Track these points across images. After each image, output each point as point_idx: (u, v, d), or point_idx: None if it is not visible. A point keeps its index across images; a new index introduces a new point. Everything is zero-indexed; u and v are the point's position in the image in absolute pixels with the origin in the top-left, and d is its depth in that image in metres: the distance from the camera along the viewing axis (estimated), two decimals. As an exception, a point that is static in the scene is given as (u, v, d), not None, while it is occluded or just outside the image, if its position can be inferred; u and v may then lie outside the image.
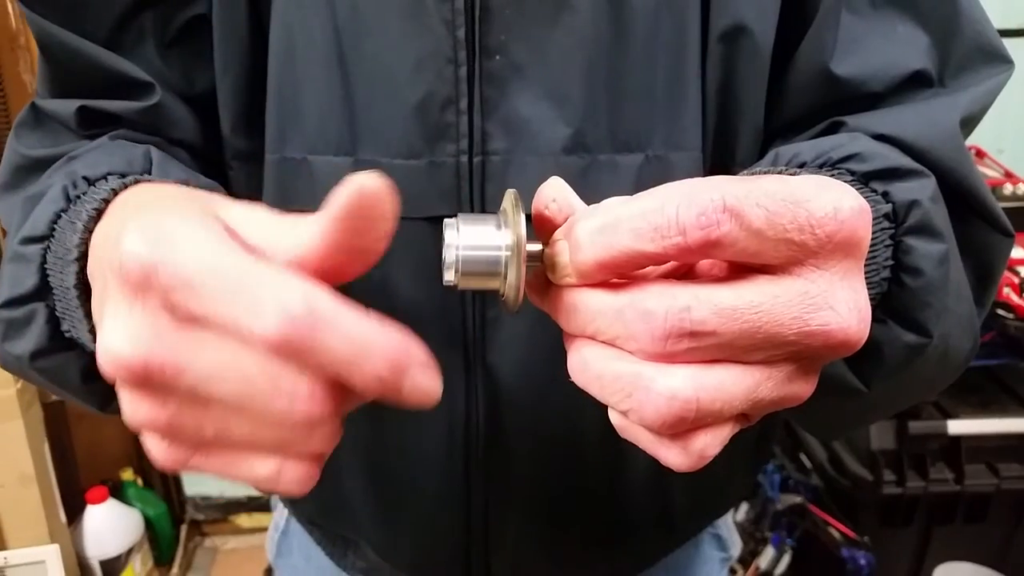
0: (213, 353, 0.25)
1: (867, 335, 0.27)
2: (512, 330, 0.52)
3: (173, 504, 2.07)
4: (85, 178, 0.40)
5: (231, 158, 0.55)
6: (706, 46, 0.49)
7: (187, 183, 0.42)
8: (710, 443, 0.28)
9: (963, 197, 0.43)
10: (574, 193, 0.32)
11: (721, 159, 0.52)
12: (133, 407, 0.27)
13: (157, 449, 0.28)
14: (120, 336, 0.26)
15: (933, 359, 0.39)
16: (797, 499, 1.58)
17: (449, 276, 0.31)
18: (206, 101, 0.54)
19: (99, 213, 0.37)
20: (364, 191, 0.25)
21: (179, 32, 0.52)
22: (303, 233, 0.27)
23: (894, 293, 0.38)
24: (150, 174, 0.42)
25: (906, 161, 0.40)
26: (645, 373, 0.27)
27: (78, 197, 0.39)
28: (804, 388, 0.29)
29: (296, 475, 0.28)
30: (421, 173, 0.49)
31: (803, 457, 1.67)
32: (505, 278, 0.30)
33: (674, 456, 0.28)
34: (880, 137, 0.43)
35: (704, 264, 0.32)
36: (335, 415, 0.27)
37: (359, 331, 0.25)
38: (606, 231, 0.27)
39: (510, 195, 0.31)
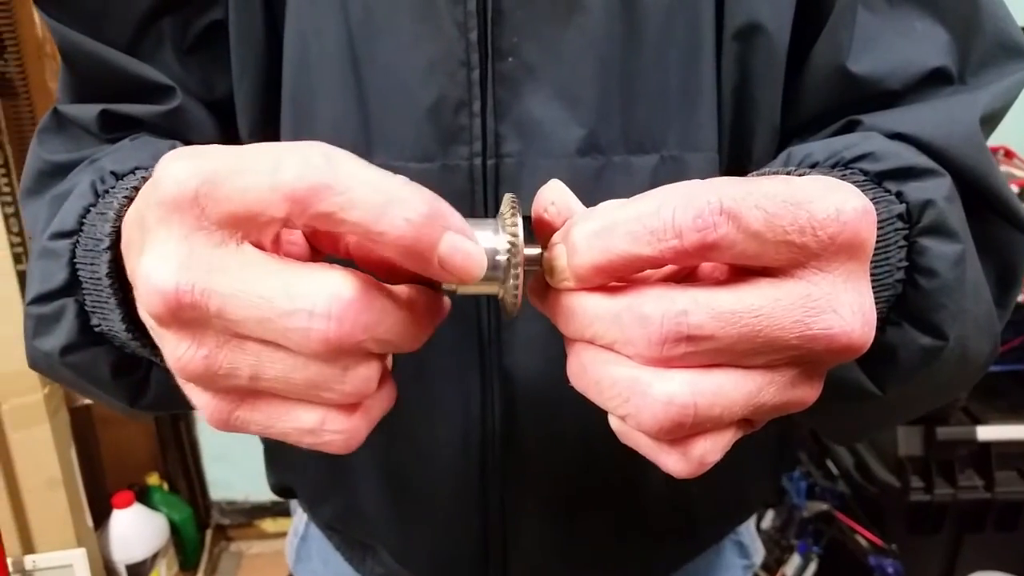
0: (237, 272, 0.26)
1: (872, 339, 0.27)
2: (528, 333, 0.52)
3: (198, 509, 2.09)
4: (113, 173, 0.41)
5: None
6: (720, 45, 0.49)
7: None
8: (710, 449, 0.28)
9: (983, 196, 0.42)
10: (573, 196, 0.32)
11: (737, 159, 0.51)
12: (172, 348, 0.27)
13: (202, 402, 0.29)
14: (155, 262, 0.26)
15: (950, 362, 0.39)
16: (824, 506, 1.57)
17: (448, 283, 0.30)
18: (226, 107, 0.54)
19: (129, 201, 0.37)
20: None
21: (197, 38, 0.53)
22: None
23: (909, 295, 0.37)
24: None
25: (921, 160, 0.39)
26: (642, 378, 0.27)
27: (107, 191, 0.40)
28: (808, 393, 0.28)
29: (339, 425, 0.29)
30: (434, 176, 0.49)
31: (830, 464, 1.66)
32: (503, 283, 0.30)
33: (673, 462, 0.28)
34: (897, 136, 0.43)
35: (706, 267, 0.31)
36: (362, 350, 0.27)
37: (384, 181, 0.25)
38: (602, 235, 0.27)
39: (508, 199, 0.31)
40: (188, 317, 0.26)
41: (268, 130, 0.53)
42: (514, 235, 0.29)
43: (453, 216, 0.27)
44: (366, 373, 0.28)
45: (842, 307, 0.26)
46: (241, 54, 0.52)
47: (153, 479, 1.96)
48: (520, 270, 0.29)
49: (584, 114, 0.48)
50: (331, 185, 0.25)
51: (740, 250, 0.25)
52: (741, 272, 0.27)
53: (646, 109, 0.49)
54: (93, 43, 0.49)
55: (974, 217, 0.40)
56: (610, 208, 0.28)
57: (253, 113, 0.53)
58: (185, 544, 1.98)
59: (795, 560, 1.55)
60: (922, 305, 0.37)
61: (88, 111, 0.50)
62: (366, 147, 0.50)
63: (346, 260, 0.31)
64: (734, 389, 0.27)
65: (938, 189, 0.37)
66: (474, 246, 0.27)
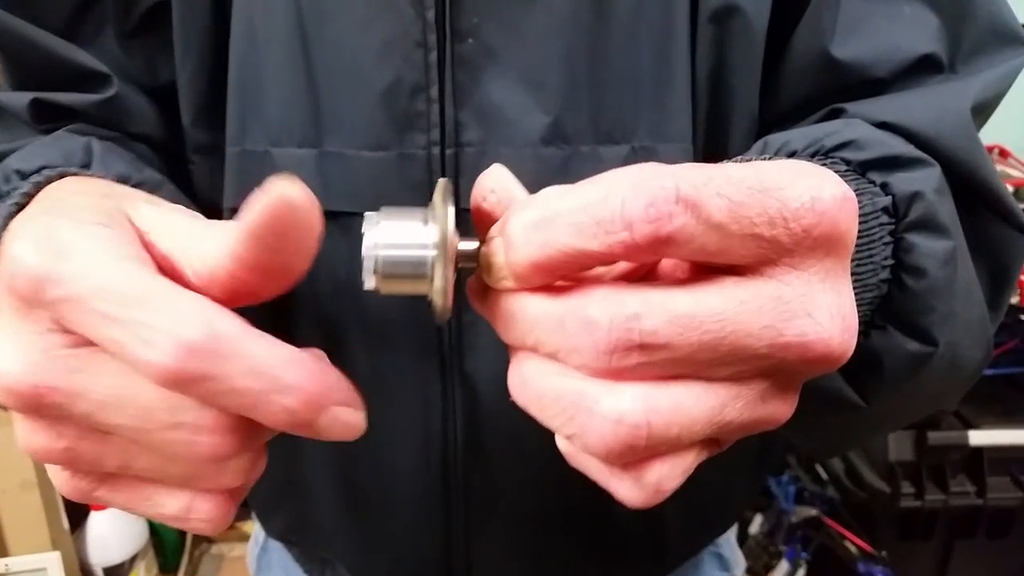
0: (109, 379, 0.24)
1: (853, 346, 0.24)
2: (492, 336, 0.48)
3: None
4: (18, 171, 0.38)
5: (192, 152, 0.52)
6: (695, 28, 0.46)
7: (128, 178, 0.40)
8: (667, 475, 0.24)
9: (975, 190, 0.39)
10: (517, 183, 0.28)
11: (713, 151, 0.48)
12: (27, 435, 0.25)
13: (59, 479, 0.27)
14: (9, 356, 0.24)
15: (940, 369, 0.36)
16: (812, 511, 1.55)
17: (369, 281, 0.27)
18: (170, 93, 0.52)
19: (20, 208, 0.34)
20: (283, 202, 0.23)
21: (141, 20, 0.50)
22: (213, 246, 0.25)
23: (895, 296, 0.34)
24: (89, 168, 0.40)
25: (908, 149, 0.37)
26: (588, 392, 0.23)
27: (9, 192, 0.37)
28: (781, 408, 0.25)
29: (208, 512, 0.27)
30: (390, 166, 0.46)
31: (819, 468, 1.64)
32: (431, 282, 0.26)
33: (625, 489, 0.25)
34: (883, 125, 0.40)
35: (667, 265, 0.28)
36: (248, 446, 0.26)
37: (268, 363, 0.23)
38: (542, 227, 0.23)
39: (441, 185, 0.28)
40: (48, 413, 0.24)
41: (212, 117, 0.51)
42: (444, 228, 0.26)
43: (338, 390, 0.25)
44: (249, 464, 0.26)
45: (818, 310, 0.23)
46: (184, 34, 0.49)
47: (132, 480, 1.92)
48: (450, 268, 0.26)
49: (549, 100, 0.45)
50: (211, 375, 0.23)
51: (700, 245, 0.22)
52: (704, 271, 0.24)
53: (616, 96, 0.46)
54: (26, 25, 0.47)
55: (965, 212, 0.37)
56: (552, 196, 0.24)
57: (196, 98, 0.50)
58: (165, 546, 1.94)
59: (783, 566, 1.54)
60: (909, 307, 0.34)
61: (19, 100, 0.47)
62: (316, 134, 0.47)
63: None
64: (695, 406, 0.23)
65: (927, 180, 0.34)
66: (355, 416, 0.26)
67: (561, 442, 0.26)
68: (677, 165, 0.22)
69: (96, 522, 1.75)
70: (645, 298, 0.23)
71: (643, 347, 0.22)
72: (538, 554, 0.56)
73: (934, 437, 1.39)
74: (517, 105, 0.45)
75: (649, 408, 0.23)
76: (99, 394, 0.23)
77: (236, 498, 0.27)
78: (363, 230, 0.27)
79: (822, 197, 0.22)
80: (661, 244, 0.22)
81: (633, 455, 0.23)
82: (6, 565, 1.50)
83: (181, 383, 0.22)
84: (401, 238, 0.26)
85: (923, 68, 0.44)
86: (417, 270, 0.26)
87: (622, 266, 0.27)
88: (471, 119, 0.46)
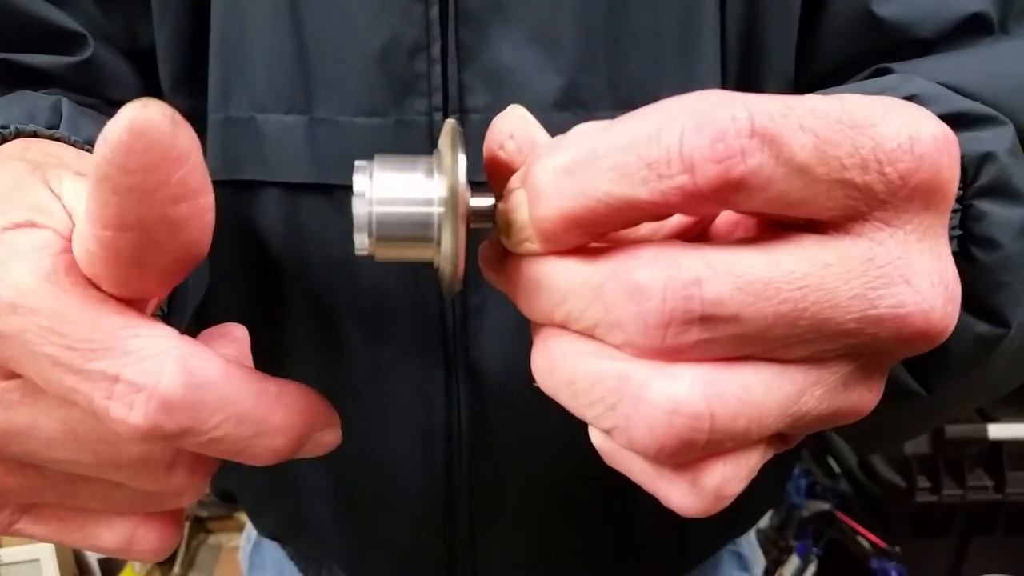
0: (58, 413, 0.21)
1: (955, 320, 0.20)
2: (499, 319, 0.46)
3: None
4: None
5: None
6: None
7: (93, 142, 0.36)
8: (730, 477, 0.20)
9: None
10: (540, 126, 0.24)
11: None
12: None
13: None
14: None
15: (1008, 354, 0.32)
16: (824, 506, 1.53)
17: (361, 242, 0.22)
18: (153, 57, 0.49)
19: None
20: (133, 127, 0.17)
21: None
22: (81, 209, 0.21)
23: (963, 271, 0.30)
24: (57, 129, 0.36)
25: (975, 105, 0.33)
26: (635, 376, 0.19)
27: None
28: (865, 397, 0.21)
29: (152, 542, 0.24)
30: (387, 134, 0.43)
31: (831, 461, 1.63)
32: (438, 246, 0.22)
33: (679, 495, 0.21)
34: None
35: (723, 222, 0.24)
36: (209, 475, 0.24)
37: (255, 409, 0.21)
38: (576, 171, 0.19)
39: (448, 128, 0.24)
40: None
41: (193, 81, 0.47)
42: (454, 179, 0.22)
43: (319, 416, 0.24)
44: (200, 483, 0.24)
45: (917, 277, 0.19)
46: None
47: (128, 470, 1.90)
48: (462, 228, 0.22)
49: (563, 61, 0.42)
50: (193, 430, 0.20)
51: (778, 192, 0.18)
52: (774, 228, 0.20)
53: (637, 57, 0.42)
54: None
55: None
56: (587, 133, 0.20)
57: (175, 61, 0.47)
58: (162, 537, 1.93)
59: (793, 561, 1.52)
60: (979, 284, 0.30)
61: None
62: (306, 98, 0.44)
63: None
64: (766, 393, 0.19)
65: (999, 140, 0.30)
66: (332, 435, 0.25)
67: (597, 436, 0.22)
68: (746, 93, 0.18)
69: (92, 513, 1.74)
70: (707, 259, 0.18)
71: (705, 320, 0.18)
72: (549, 556, 0.53)
73: (952, 430, 1.37)
74: (527, 66, 0.42)
75: (712, 396, 0.19)
76: (45, 432, 0.21)
77: (180, 520, 0.25)
78: (353, 182, 0.22)
79: (920, 137, 0.18)
80: (730, 190, 0.18)
81: (690, 453, 0.19)
82: (-3, 556, 1.50)
83: (158, 439, 0.20)
84: (401, 192, 0.22)
85: (972, 28, 0.41)
86: (421, 231, 0.22)
87: (670, 224, 0.23)
88: (476, 81, 0.42)
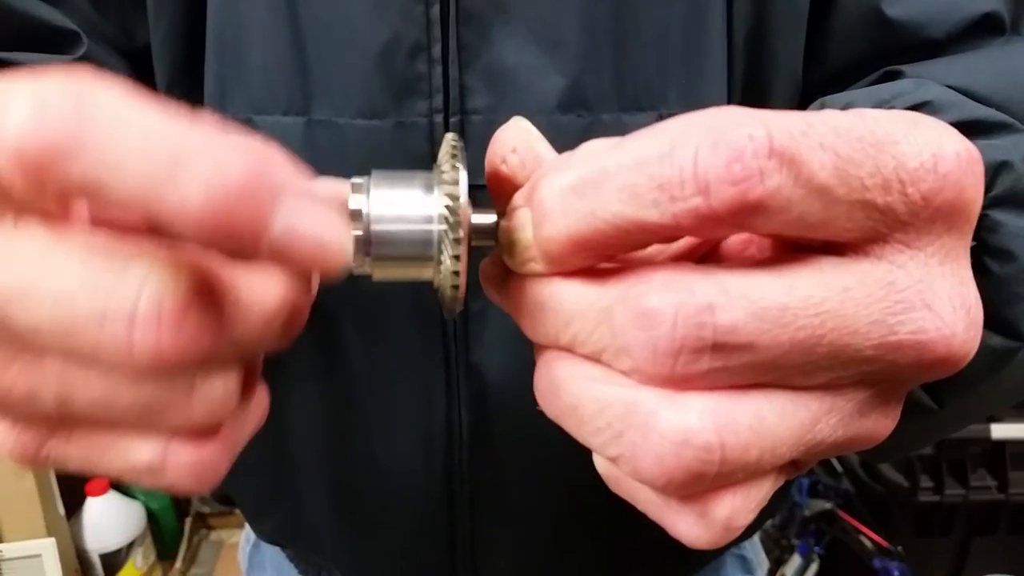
0: (18, 264, 0.18)
1: (976, 345, 0.19)
2: (500, 324, 0.45)
3: (177, 496, 2.03)
4: None
5: None
6: None
7: None
8: (740, 508, 0.19)
9: None
10: (544, 140, 0.24)
11: None
12: None
13: (4, 437, 0.21)
14: None
15: (1021, 366, 0.31)
16: (826, 505, 1.53)
17: (358, 263, 0.22)
18: (148, 56, 0.48)
19: None
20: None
21: None
22: None
23: (976, 283, 0.29)
24: None
25: (990, 112, 0.32)
26: (643, 404, 0.19)
27: None
28: (881, 424, 0.21)
29: (187, 459, 0.20)
30: (386, 136, 0.43)
31: (833, 460, 1.62)
32: (438, 265, 0.21)
33: (686, 526, 0.20)
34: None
35: (734, 243, 0.23)
36: (211, 359, 0.19)
37: (164, 131, 0.16)
38: (584, 191, 0.19)
39: (448, 141, 0.23)
40: None
41: (189, 82, 0.47)
42: (454, 195, 0.21)
43: (292, 177, 0.18)
44: (222, 388, 0.20)
45: (938, 301, 0.18)
46: None
47: (129, 465, 1.90)
48: (463, 247, 0.21)
49: (567, 61, 0.41)
50: (82, 139, 0.16)
51: (797, 214, 0.17)
52: (789, 248, 0.20)
53: (642, 57, 0.42)
54: None
55: None
56: (596, 152, 0.19)
57: (171, 60, 0.47)
58: (163, 533, 1.92)
59: (795, 561, 1.51)
60: (992, 296, 0.29)
61: None
62: (304, 100, 0.43)
63: None
64: (780, 422, 0.19)
65: (1015, 148, 0.30)
66: (332, 223, 0.18)
67: (601, 463, 0.21)
68: (763, 110, 0.17)
69: (93, 508, 1.73)
70: (720, 284, 0.18)
71: (718, 348, 0.17)
72: (551, 559, 0.53)
73: (955, 430, 1.37)
74: (530, 66, 0.42)
75: (723, 425, 0.18)
76: (7, 284, 0.18)
77: (228, 442, 0.21)
78: (349, 199, 0.22)
79: (944, 155, 0.18)
80: (747, 214, 0.17)
81: (699, 485, 0.19)
82: (-1, 551, 1.49)
83: (45, 167, 0.16)
84: (399, 209, 0.21)
85: (984, 28, 0.40)
86: (420, 250, 0.21)
87: (677, 245, 0.22)
88: (478, 82, 0.42)
